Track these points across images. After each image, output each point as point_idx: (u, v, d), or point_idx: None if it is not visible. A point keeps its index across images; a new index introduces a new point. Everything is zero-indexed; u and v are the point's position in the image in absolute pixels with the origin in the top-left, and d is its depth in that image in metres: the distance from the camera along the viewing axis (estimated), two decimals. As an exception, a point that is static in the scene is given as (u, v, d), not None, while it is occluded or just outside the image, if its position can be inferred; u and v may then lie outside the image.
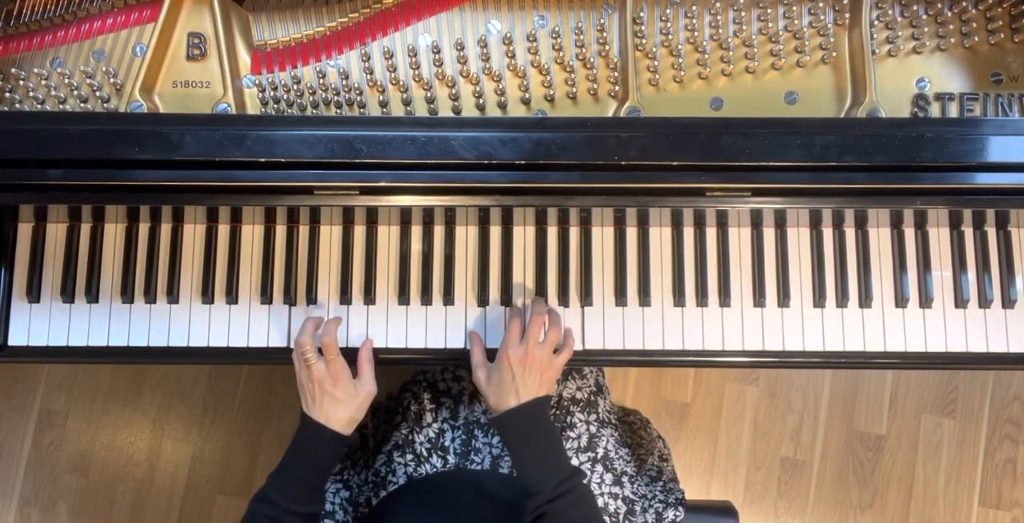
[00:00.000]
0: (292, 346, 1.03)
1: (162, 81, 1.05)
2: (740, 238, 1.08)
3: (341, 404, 0.96)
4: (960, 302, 1.07)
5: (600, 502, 1.08)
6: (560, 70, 1.06)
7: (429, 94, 1.05)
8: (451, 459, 1.10)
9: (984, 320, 1.07)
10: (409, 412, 1.15)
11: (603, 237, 1.08)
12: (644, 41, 1.05)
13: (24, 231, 1.08)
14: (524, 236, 1.09)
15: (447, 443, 1.11)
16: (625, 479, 1.12)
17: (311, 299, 1.07)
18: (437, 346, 1.07)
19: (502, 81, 1.05)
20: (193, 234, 1.08)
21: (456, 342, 1.07)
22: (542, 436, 0.96)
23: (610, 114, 1.05)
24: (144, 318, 1.07)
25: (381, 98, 1.05)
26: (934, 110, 1.05)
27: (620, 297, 1.07)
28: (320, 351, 0.97)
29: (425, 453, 1.11)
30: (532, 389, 0.96)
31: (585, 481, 0.96)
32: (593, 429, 1.13)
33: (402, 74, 1.05)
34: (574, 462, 1.09)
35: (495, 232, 1.09)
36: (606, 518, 1.06)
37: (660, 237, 1.09)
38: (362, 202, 0.97)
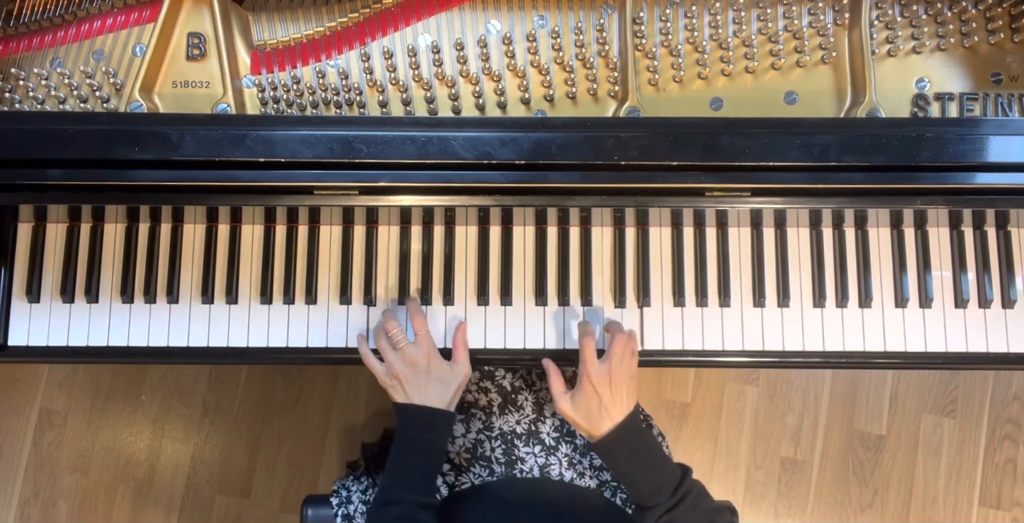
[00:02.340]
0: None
1: (162, 81, 1.05)
2: (740, 238, 1.08)
3: (440, 384, 0.96)
4: (960, 302, 1.07)
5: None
6: (560, 70, 1.06)
7: (429, 94, 1.05)
8: (496, 468, 1.10)
9: (984, 320, 1.07)
10: None
11: (603, 237, 1.08)
12: (644, 41, 1.05)
13: (24, 231, 1.08)
14: (524, 236, 1.09)
15: (488, 453, 1.10)
16: None
17: (311, 299, 1.07)
18: (441, 346, 1.06)
19: (502, 81, 1.05)
20: (193, 234, 1.08)
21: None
22: (645, 449, 0.94)
23: (610, 114, 1.05)
24: (144, 318, 1.07)
25: (381, 98, 1.05)
26: (934, 110, 1.05)
27: (619, 297, 1.07)
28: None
29: (464, 463, 1.10)
30: (621, 405, 0.95)
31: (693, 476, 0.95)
32: None
33: (402, 74, 1.05)
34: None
35: (495, 232, 1.09)
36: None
37: (660, 237, 1.09)
38: (362, 202, 0.97)
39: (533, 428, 1.13)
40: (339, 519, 1.11)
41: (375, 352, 1.02)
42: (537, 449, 1.11)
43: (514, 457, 1.11)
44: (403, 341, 0.97)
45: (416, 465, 0.94)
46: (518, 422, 1.14)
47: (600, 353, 1.00)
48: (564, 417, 0.97)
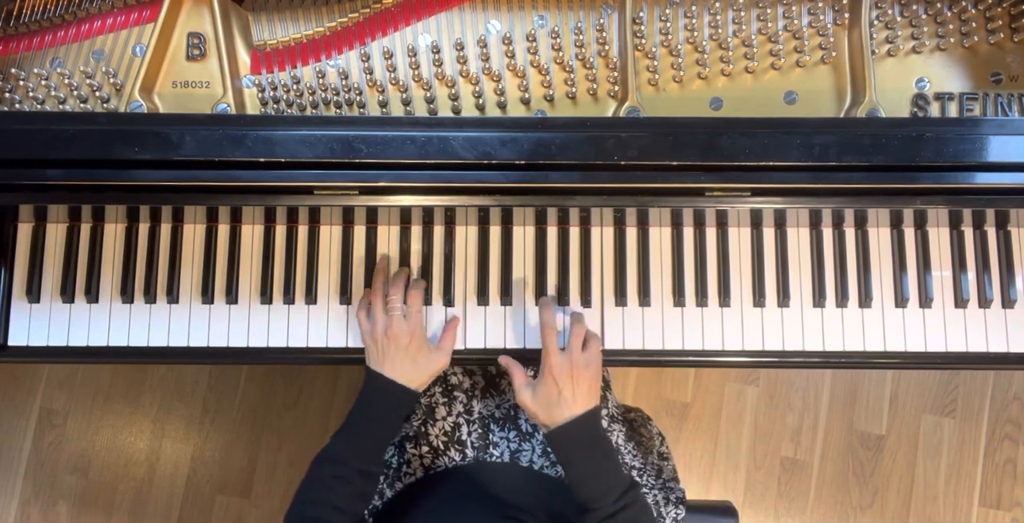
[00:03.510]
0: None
1: (162, 81, 1.05)
2: (740, 238, 1.08)
3: (415, 365, 0.96)
4: (960, 302, 1.07)
5: None
6: (559, 70, 1.06)
7: (429, 94, 1.05)
8: (469, 453, 1.11)
9: (984, 320, 1.07)
10: (420, 404, 1.15)
11: (603, 237, 1.08)
12: (644, 41, 1.05)
13: (24, 231, 1.08)
14: (524, 236, 1.09)
15: (464, 437, 1.11)
16: (634, 472, 1.13)
17: (311, 299, 1.07)
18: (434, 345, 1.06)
19: (502, 81, 1.05)
20: (193, 234, 1.08)
21: (456, 342, 1.07)
22: (598, 449, 0.94)
23: (610, 114, 1.05)
24: (144, 318, 1.07)
25: (381, 98, 1.05)
26: (934, 110, 1.05)
27: (620, 297, 1.07)
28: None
29: (442, 446, 1.11)
30: (581, 399, 0.94)
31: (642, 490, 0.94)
32: (604, 424, 1.13)
33: (402, 74, 1.05)
34: None
35: (495, 232, 1.09)
36: None
37: (660, 237, 1.09)
38: (362, 202, 0.97)
39: (512, 413, 1.14)
40: None
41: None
42: (512, 434, 1.11)
43: (487, 442, 1.11)
44: (396, 311, 0.97)
45: (367, 433, 0.94)
46: (498, 406, 1.14)
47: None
48: (524, 408, 0.97)
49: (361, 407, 0.96)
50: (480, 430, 1.12)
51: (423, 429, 1.12)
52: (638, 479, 1.13)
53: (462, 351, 1.06)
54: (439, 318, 1.07)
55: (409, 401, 0.96)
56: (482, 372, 1.17)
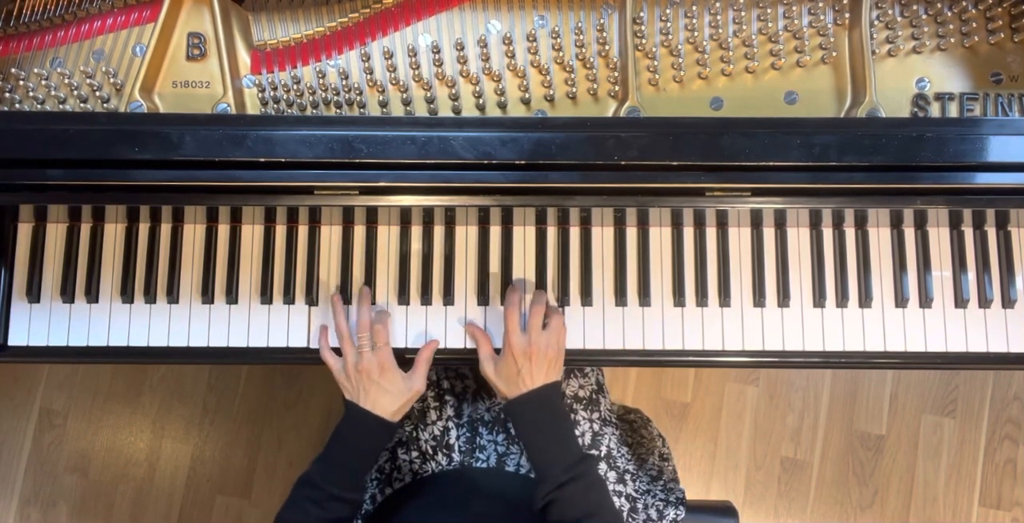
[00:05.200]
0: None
1: (162, 81, 1.05)
2: (740, 238, 1.08)
3: (389, 395, 0.97)
4: (960, 302, 1.07)
5: None
6: (560, 70, 1.06)
7: (429, 94, 1.05)
8: (456, 457, 1.11)
9: (984, 320, 1.07)
10: (412, 409, 1.16)
11: (603, 237, 1.08)
12: (644, 41, 1.05)
13: (24, 231, 1.08)
14: (524, 236, 1.09)
15: (452, 441, 1.11)
16: (628, 477, 1.13)
17: (311, 299, 1.07)
18: (439, 346, 1.06)
19: (502, 81, 1.05)
20: (193, 234, 1.08)
21: (456, 342, 1.07)
22: (552, 421, 0.97)
23: (610, 114, 1.05)
24: (144, 318, 1.07)
25: (381, 98, 1.05)
26: (934, 110, 1.05)
27: (620, 297, 1.07)
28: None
29: (430, 450, 1.11)
30: (540, 376, 0.97)
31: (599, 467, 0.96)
32: (596, 427, 1.13)
33: (402, 74, 1.05)
34: None
35: (495, 232, 1.09)
36: None
37: (660, 237, 1.09)
38: (362, 202, 0.97)
39: (501, 416, 1.14)
40: None
41: (336, 350, 1.03)
42: (500, 437, 1.12)
43: (474, 445, 1.11)
44: (365, 347, 0.99)
45: (342, 462, 0.95)
46: (488, 409, 1.14)
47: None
48: (486, 378, 1.00)
49: (337, 436, 0.97)
50: (468, 434, 1.12)
51: (414, 434, 1.12)
52: (630, 481, 1.13)
53: (462, 351, 1.06)
54: (440, 318, 1.07)
55: (384, 431, 0.98)
56: (474, 375, 1.18)
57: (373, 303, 1.07)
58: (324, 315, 1.07)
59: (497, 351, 1.02)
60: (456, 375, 1.18)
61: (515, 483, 1.07)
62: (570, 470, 0.92)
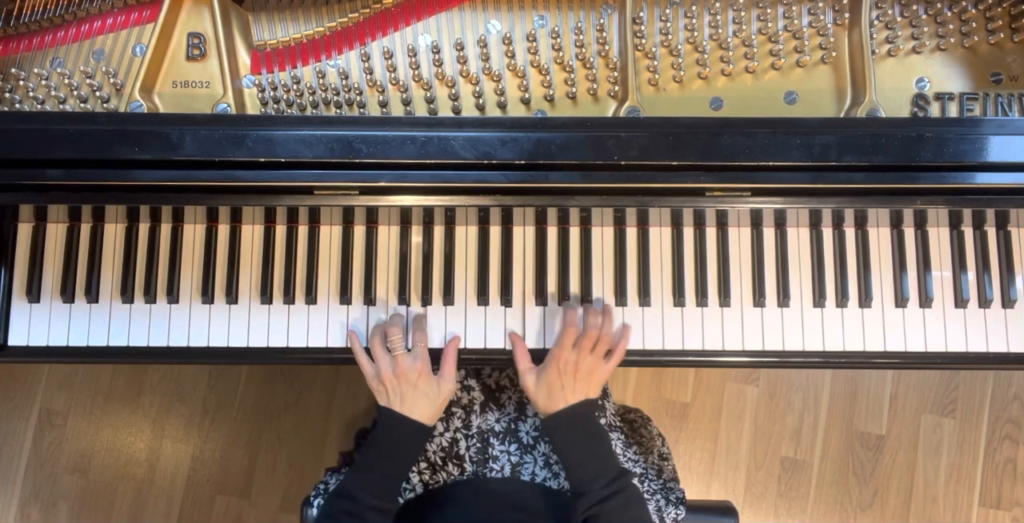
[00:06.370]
0: (348, 344, 1.04)
1: (162, 81, 1.05)
2: (740, 238, 1.08)
3: (426, 399, 0.97)
4: (960, 302, 1.07)
5: None
6: (560, 70, 1.06)
7: (429, 94, 1.05)
8: (468, 467, 1.10)
9: (984, 320, 1.07)
10: None
11: (603, 237, 1.08)
12: (644, 41, 1.05)
13: (24, 231, 1.08)
14: (524, 236, 1.09)
15: (462, 452, 1.11)
16: (635, 480, 1.12)
17: (311, 299, 1.07)
18: (437, 346, 1.06)
19: (502, 81, 1.05)
20: (193, 234, 1.08)
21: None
22: (590, 437, 0.97)
23: (610, 114, 1.05)
24: (144, 318, 1.07)
25: (381, 98, 1.05)
26: (934, 110, 1.05)
27: (620, 297, 1.07)
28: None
29: (440, 461, 1.10)
30: (581, 393, 0.97)
31: (635, 481, 0.96)
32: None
33: (402, 74, 1.05)
34: None
35: (495, 232, 1.09)
36: None
37: (660, 237, 1.09)
38: (362, 202, 0.97)
39: (512, 426, 1.14)
40: (314, 509, 1.11)
41: (367, 352, 1.02)
42: (513, 447, 1.11)
43: (487, 456, 1.11)
44: (400, 349, 0.98)
45: (380, 471, 0.95)
46: (497, 420, 1.14)
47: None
48: (525, 391, 1.00)
49: (374, 444, 0.96)
50: (479, 444, 1.12)
51: None
52: (638, 484, 1.13)
53: (462, 351, 1.06)
54: (440, 318, 1.07)
55: (422, 436, 0.98)
56: (481, 387, 1.17)
57: (373, 304, 1.07)
58: (324, 315, 1.07)
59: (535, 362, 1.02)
60: (463, 387, 1.17)
61: (532, 492, 1.07)
62: (610, 485, 0.92)
